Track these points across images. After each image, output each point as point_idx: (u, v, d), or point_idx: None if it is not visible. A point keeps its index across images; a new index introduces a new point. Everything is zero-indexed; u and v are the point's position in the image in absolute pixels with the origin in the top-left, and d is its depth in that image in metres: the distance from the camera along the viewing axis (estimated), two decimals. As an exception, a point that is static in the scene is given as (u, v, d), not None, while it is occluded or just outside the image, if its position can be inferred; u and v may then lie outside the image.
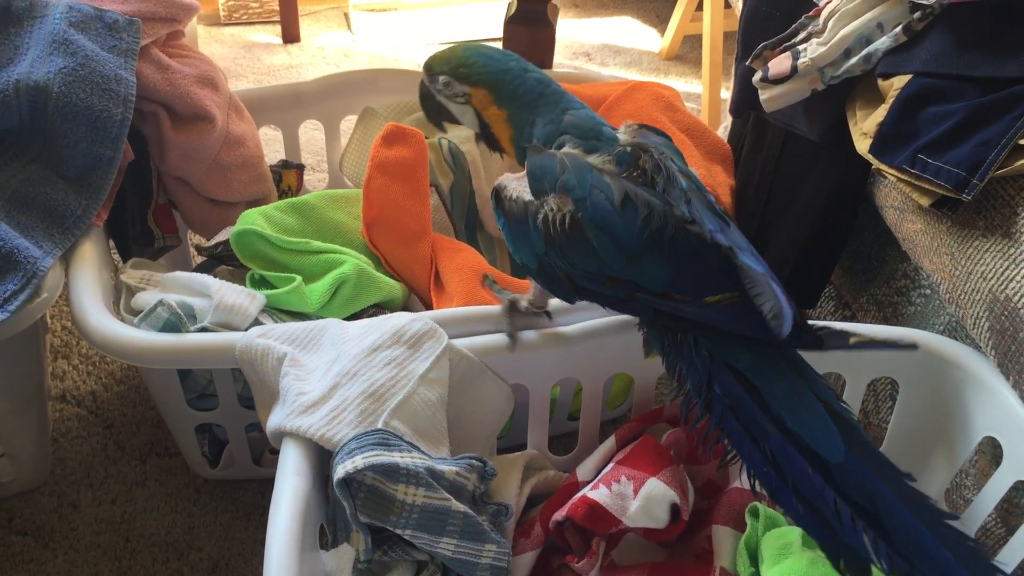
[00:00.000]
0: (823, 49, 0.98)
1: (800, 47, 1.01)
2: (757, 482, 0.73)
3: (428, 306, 1.14)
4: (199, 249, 1.17)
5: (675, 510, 0.84)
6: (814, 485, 0.69)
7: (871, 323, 1.15)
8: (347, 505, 0.75)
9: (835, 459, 0.69)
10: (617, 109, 1.26)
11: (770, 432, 0.71)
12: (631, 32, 2.45)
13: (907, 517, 0.67)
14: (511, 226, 0.85)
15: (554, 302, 0.94)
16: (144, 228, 1.16)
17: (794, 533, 0.80)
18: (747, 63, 1.07)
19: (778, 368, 0.74)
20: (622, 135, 0.85)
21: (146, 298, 0.98)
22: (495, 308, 0.95)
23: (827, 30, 0.99)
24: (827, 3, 1.01)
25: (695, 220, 0.75)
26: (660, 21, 2.49)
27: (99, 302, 0.95)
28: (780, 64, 1.02)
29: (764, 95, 1.05)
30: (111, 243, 1.13)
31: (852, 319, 1.21)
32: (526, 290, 1.01)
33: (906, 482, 0.69)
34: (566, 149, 0.83)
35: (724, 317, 0.74)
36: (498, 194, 0.87)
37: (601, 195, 0.78)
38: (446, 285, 1.12)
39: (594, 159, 0.81)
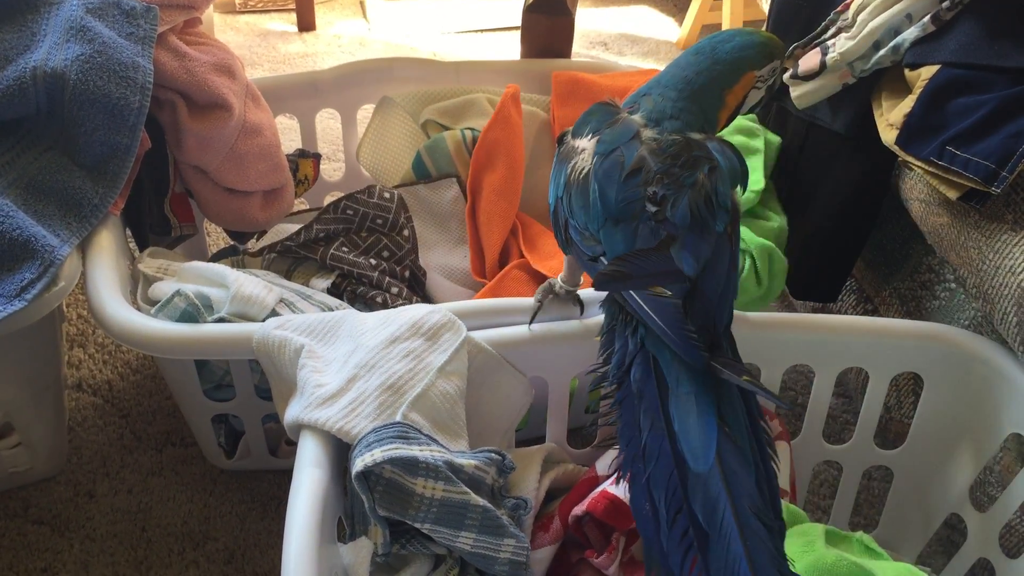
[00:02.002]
0: (851, 43, 0.96)
1: (829, 42, 0.99)
2: (620, 471, 0.72)
3: (480, 261, 1.21)
4: (246, 252, 1.17)
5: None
6: (666, 486, 0.68)
7: (894, 317, 1.13)
8: (365, 498, 0.75)
9: (697, 468, 0.67)
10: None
11: (656, 426, 0.70)
12: (649, 21, 2.43)
13: (736, 552, 0.64)
14: (555, 165, 0.86)
15: (585, 293, 0.93)
16: (161, 217, 1.15)
17: (816, 530, 0.79)
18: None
19: (692, 374, 0.71)
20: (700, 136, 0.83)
21: (163, 288, 0.98)
22: (514, 301, 0.94)
23: (856, 24, 0.97)
24: (855, -4, 0.99)
25: (661, 210, 0.74)
26: (678, 10, 2.47)
27: (116, 291, 0.94)
28: (809, 60, 1.00)
29: (795, 92, 1.03)
30: (128, 232, 1.13)
31: (874, 313, 1.20)
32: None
33: (762, 522, 0.65)
34: (636, 116, 0.83)
35: (655, 308, 0.71)
36: (562, 138, 0.87)
37: (620, 157, 0.78)
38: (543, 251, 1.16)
39: (647, 132, 0.81)
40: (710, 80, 0.84)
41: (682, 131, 0.81)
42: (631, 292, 0.73)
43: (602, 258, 0.77)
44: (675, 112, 0.83)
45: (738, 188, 0.80)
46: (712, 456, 0.67)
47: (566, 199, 0.82)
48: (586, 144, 0.82)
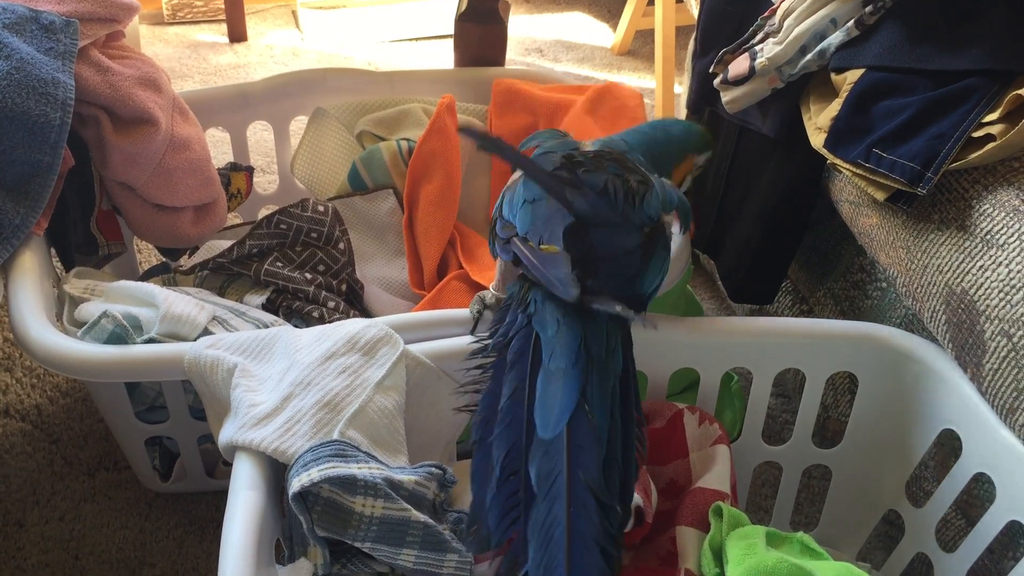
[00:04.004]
0: (779, 48, 0.98)
1: (757, 48, 1.01)
2: (475, 423, 0.75)
3: (418, 273, 1.19)
4: (178, 269, 1.14)
5: (639, 512, 0.83)
6: (509, 447, 0.70)
7: (828, 317, 1.15)
8: (303, 519, 0.73)
9: (544, 434, 0.70)
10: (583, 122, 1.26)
11: (517, 394, 0.73)
12: (583, 28, 2.44)
13: (558, 515, 0.66)
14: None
15: None
16: (87, 236, 1.12)
17: (758, 533, 0.80)
18: (710, 70, 1.06)
19: (566, 352, 0.73)
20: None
21: (90, 309, 0.95)
22: (451, 312, 0.93)
23: (783, 29, 0.99)
24: (782, 1, 1.00)
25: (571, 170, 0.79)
26: (612, 16, 2.48)
27: (40, 314, 0.91)
28: (739, 65, 1.01)
29: (726, 97, 1.04)
30: (53, 252, 1.10)
31: (809, 313, 1.21)
32: None
33: (596, 497, 0.68)
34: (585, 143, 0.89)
35: (541, 260, 0.76)
36: None
37: (554, 155, 0.83)
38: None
39: (587, 146, 0.87)
40: (663, 152, 0.92)
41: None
42: (526, 251, 0.77)
43: (514, 238, 0.80)
44: (625, 149, 0.88)
45: (673, 215, 0.84)
46: (562, 426, 0.69)
47: (500, 202, 0.85)
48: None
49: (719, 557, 0.81)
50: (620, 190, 0.79)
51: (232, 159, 1.33)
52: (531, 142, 0.90)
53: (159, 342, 0.92)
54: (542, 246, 0.77)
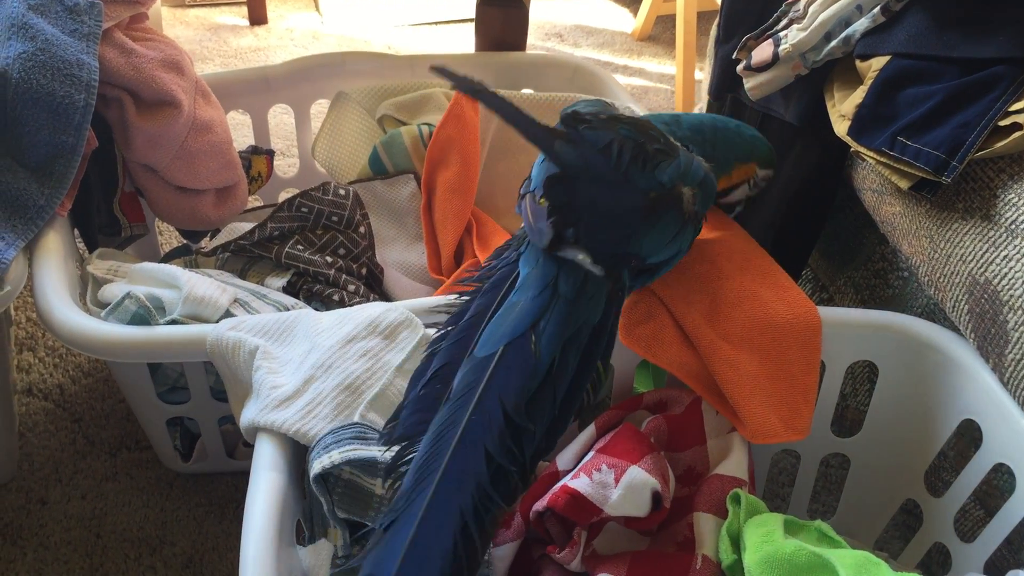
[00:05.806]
0: (803, 35, 0.97)
1: (781, 34, 1.00)
2: (434, 337, 0.77)
3: (436, 259, 1.20)
4: (200, 251, 1.15)
5: (656, 498, 0.84)
6: (448, 358, 0.72)
7: (848, 306, 1.14)
8: (324, 500, 0.74)
9: (477, 353, 0.71)
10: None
11: (477, 314, 0.74)
12: (603, 12, 2.44)
13: (457, 419, 0.68)
14: None
15: None
16: (110, 217, 1.13)
17: (776, 520, 0.80)
18: (733, 56, 1.05)
19: (532, 289, 0.74)
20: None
21: (113, 290, 0.96)
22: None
23: (807, 15, 0.98)
24: (806, -14, 1.00)
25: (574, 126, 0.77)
26: (632, 1, 2.47)
27: (64, 295, 0.92)
28: (762, 52, 1.01)
29: (749, 83, 1.04)
30: (76, 233, 1.10)
31: (829, 302, 1.21)
32: None
33: (507, 414, 0.68)
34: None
35: (532, 211, 0.77)
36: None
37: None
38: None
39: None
40: (727, 141, 0.89)
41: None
42: (527, 202, 0.77)
43: (527, 193, 0.79)
44: (674, 123, 0.87)
45: (692, 190, 0.81)
46: (496, 348, 0.71)
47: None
48: None
49: (737, 544, 0.81)
50: (628, 151, 0.77)
51: (253, 142, 1.34)
52: (568, 110, 0.88)
53: (181, 323, 0.92)
54: (540, 199, 0.77)
